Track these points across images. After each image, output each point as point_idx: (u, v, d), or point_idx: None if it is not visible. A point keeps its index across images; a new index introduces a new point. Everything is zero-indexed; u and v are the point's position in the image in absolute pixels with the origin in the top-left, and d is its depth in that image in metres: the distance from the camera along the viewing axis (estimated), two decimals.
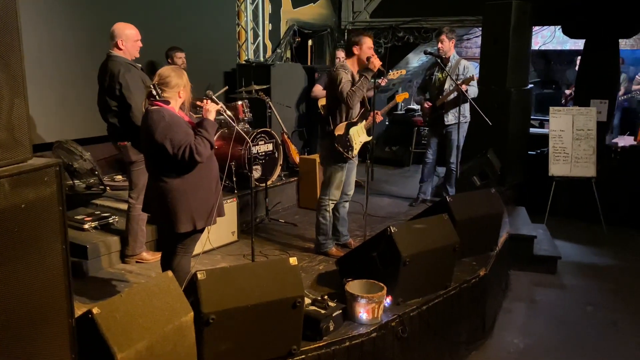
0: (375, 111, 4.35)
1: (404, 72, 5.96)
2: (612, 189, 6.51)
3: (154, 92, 3.14)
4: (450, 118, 5.61)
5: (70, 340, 2.24)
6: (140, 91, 3.89)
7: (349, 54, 4.21)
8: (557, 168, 6.51)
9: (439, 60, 5.62)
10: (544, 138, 6.70)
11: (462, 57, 5.95)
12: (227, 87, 6.18)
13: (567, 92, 9.05)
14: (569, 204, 6.61)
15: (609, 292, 4.89)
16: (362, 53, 4.13)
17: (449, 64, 5.61)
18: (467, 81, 5.42)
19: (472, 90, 5.53)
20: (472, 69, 5.65)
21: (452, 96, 5.55)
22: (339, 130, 4.17)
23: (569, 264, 5.45)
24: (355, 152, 4.28)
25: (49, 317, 2.13)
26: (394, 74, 5.73)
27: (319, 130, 4.36)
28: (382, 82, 5.50)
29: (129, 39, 4.03)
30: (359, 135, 4.27)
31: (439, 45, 5.63)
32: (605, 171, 6.55)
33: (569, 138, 6.51)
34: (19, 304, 2.00)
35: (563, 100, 9.08)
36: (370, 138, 4.39)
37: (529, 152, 7.26)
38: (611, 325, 4.29)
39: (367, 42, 4.15)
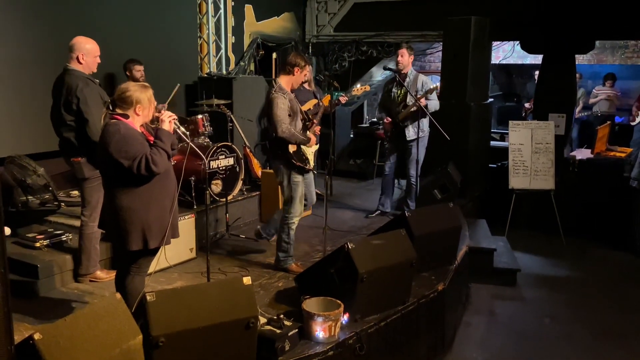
0: (314, 121, 4.50)
1: (368, 88, 6.02)
2: (571, 201, 6.67)
3: (110, 107, 3.10)
4: (411, 133, 5.65)
5: None
6: (97, 106, 3.82)
7: (288, 72, 4.24)
8: (517, 181, 6.62)
9: (397, 76, 5.67)
10: (505, 151, 6.82)
11: (423, 72, 6.05)
12: (179, 86, 6.05)
13: (527, 105, 9.25)
14: (529, 216, 6.73)
15: (566, 304, 4.97)
16: (299, 78, 4.29)
17: (407, 79, 5.66)
18: (430, 91, 5.49)
19: (433, 104, 5.59)
20: (431, 83, 5.72)
21: (413, 109, 5.58)
22: (292, 147, 4.24)
23: (528, 276, 5.54)
24: (312, 162, 4.41)
25: None
26: (358, 90, 5.78)
27: (270, 152, 4.38)
28: (343, 99, 5.56)
29: (89, 54, 3.95)
30: (310, 147, 4.39)
31: (399, 58, 5.68)
32: (564, 183, 6.71)
33: (528, 151, 6.64)
34: None
35: (523, 114, 9.27)
36: (318, 146, 4.54)
37: (490, 165, 7.39)
38: (567, 337, 4.36)
39: (306, 70, 4.32)
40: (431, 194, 5.85)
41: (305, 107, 5.78)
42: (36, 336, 2.18)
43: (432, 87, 5.56)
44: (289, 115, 4.17)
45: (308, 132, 4.39)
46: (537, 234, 6.63)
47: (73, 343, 2.28)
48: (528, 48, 7.35)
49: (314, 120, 4.48)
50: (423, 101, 5.43)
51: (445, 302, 4.11)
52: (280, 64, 4.37)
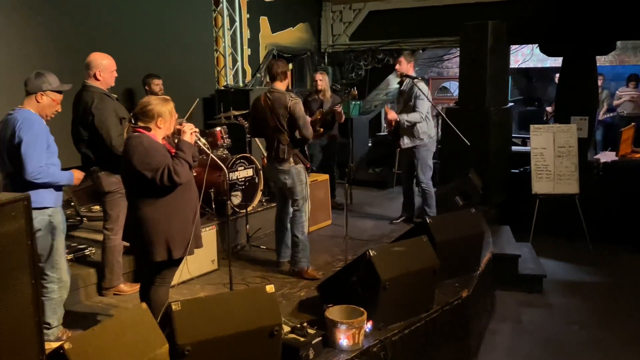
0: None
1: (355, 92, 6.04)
2: (596, 205, 6.52)
3: (133, 120, 3.16)
4: (406, 141, 5.72)
5: None
6: (112, 121, 3.88)
7: (284, 78, 4.52)
8: (540, 186, 6.52)
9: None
10: (527, 156, 6.73)
11: (441, 78, 6.10)
12: (198, 100, 6.15)
13: (549, 109, 9.15)
14: (554, 221, 6.60)
15: (594, 311, 4.86)
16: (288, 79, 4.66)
17: (405, 85, 5.71)
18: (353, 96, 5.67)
19: (413, 116, 5.62)
20: (424, 89, 5.71)
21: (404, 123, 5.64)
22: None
23: (554, 282, 5.43)
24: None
25: (19, 353, 2.07)
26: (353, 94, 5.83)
27: (284, 156, 4.48)
28: (338, 107, 5.78)
29: (106, 70, 4.01)
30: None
31: (396, 66, 5.73)
32: (589, 187, 6.57)
33: (551, 155, 6.55)
34: None
35: (545, 117, 9.17)
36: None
37: (512, 171, 7.29)
38: (596, 344, 4.26)
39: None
40: (452, 200, 5.80)
41: (313, 118, 5.93)
42: (66, 345, 2.20)
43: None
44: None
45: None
46: (562, 239, 6.50)
47: (101, 352, 2.30)
48: (547, 51, 7.28)
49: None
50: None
51: (470, 309, 4.05)
52: (273, 74, 4.47)
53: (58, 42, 5.44)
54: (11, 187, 3.25)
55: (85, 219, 5.07)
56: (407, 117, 5.60)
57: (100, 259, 4.19)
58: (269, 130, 4.49)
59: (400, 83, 5.83)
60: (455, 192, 5.85)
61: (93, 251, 4.47)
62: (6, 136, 3.27)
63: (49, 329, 3.36)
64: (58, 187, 3.40)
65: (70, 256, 4.39)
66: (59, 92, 3.41)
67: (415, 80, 5.69)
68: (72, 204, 4.85)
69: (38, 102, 3.32)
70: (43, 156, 3.25)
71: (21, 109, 3.31)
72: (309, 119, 4.51)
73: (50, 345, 2.33)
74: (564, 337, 4.39)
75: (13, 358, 2.04)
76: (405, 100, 5.76)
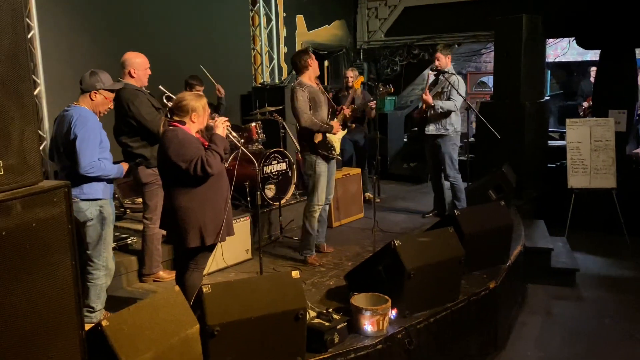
0: (342, 107, 4.76)
1: (391, 89, 6.12)
2: (634, 199, 6.41)
3: (168, 115, 3.35)
4: (431, 128, 5.77)
5: (81, 351, 2.35)
6: (150, 111, 4.10)
7: (306, 69, 4.60)
8: (575, 180, 6.45)
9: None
10: (564, 150, 6.64)
11: (479, 73, 6.08)
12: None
13: (585, 104, 8.96)
14: (590, 215, 6.52)
15: (628, 304, 4.80)
16: (315, 67, 4.68)
17: (441, 78, 5.75)
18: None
19: (447, 104, 5.66)
20: (461, 84, 5.76)
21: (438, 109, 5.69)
22: (318, 137, 4.54)
23: (588, 277, 5.39)
24: (337, 149, 4.69)
25: (60, 329, 2.25)
26: (382, 93, 5.89)
27: (299, 144, 4.69)
28: (372, 104, 5.83)
29: (139, 67, 4.21)
30: (335, 134, 4.63)
31: (436, 62, 5.79)
32: (627, 182, 6.46)
33: (587, 149, 6.46)
34: (32, 316, 2.12)
35: (581, 113, 8.99)
36: (346, 131, 4.83)
37: (548, 165, 7.22)
38: (628, 337, 4.23)
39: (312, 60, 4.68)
40: (485, 194, 5.81)
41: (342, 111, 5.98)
42: (104, 323, 2.39)
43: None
44: (310, 106, 4.49)
45: (335, 119, 4.66)
46: (598, 234, 6.42)
47: (136, 330, 2.47)
48: (584, 44, 7.16)
49: (342, 107, 4.74)
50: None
51: (498, 300, 4.08)
52: (297, 67, 4.63)
53: (105, 42, 5.72)
54: (66, 179, 3.47)
55: (128, 210, 5.33)
56: (441, 103, 5.66)
57: (141, 247, 4.41)
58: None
59: (437, 75, 5.87)
60: (488, 186, 5.85)
61: (135, 240, 4.70)
62: (62, 132, 3.48)
63: (92, 312, 3.58)
64: (109, 180, 3.59)
65: (113, 245, 4.63)
66: (111, 90, 3.61)
67: (452, 74, 5.76)
68: (116, 196, 5.11)
69: (92, 99, 3.51)
70: (96, 151, 3.44)
71: (76, 106, 3.51)
72: (305, 109, 4.50)
73: None
74: (594, 330, 4.37)
75: (55, 333, 2.22)
76: (439, 92, 5.79)
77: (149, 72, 4.28)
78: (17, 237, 2.08)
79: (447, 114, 5.67)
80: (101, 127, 3.53)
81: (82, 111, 3.46)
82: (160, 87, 4.28)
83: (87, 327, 2.45)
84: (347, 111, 4.72)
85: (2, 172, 2.08)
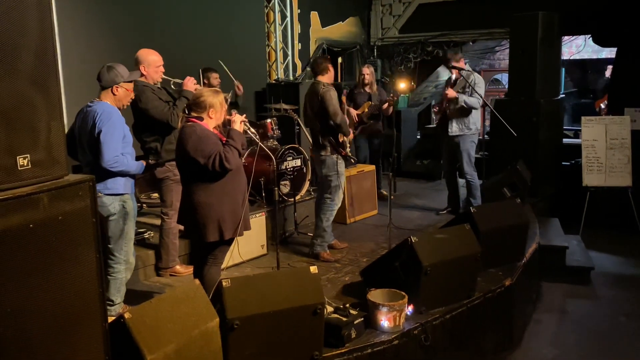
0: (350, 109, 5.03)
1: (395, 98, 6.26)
2: None
3: (187, 111, 3.39)
4: (454, 128, 5.74)
5: (104, 342, 2.39)
6: (156, 105, 4.12)
7: (327, 72, 4.73)
8: (591, 178, 6.42)
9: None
10: (579, 148, 6.62)
11: (493, 70, 6.07)
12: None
13: (602, 105, 8.90)
14: (605, 214, 6.49)
15: None
16: (332, 72, 4.80)
17: (460, 78, 5.74)
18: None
19: (472, 100, 5.63)
20: (480, 82, 5.74)
21: (462, 104, 5.66)
22: (341, 137, 4.67)
23: (603, 275, 5.37)
24: (348, 148, 4.81)
25: (84, 321, 2.29)
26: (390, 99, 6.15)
27: (320, 144, 4.72)
28: (385, 105, 5.96)
29: (151, 65, 4.22)
30: (348, 137, 4.81)
31: (453, 63, 5.78)
32: None
33: (603, 147, 6.43)
34: (57, 308, 2.16)
35: (598, 109, 8.93)
36: (352, 135, 5.10)
37: (563, 163, 7.19)
38: None
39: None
40: (500, 192, 5.79)
41: (359, 110, 6.12)
42: (126, 315, 2.43)
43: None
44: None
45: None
46: (613, 232, 6.38)
47: (157, 322, 2.51)
48: (600, 41, 7.14)
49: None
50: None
51: (513, 298, 4.09)
52: (316, 71, 4.71)
53: (121, 37, 5.76)
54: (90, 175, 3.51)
55: (145, 205, 5.38)
56: (466, 98, 5.61)
57: (158, 241, 4.46)
58: (309, 119, 4.77)
59: (454, 73, 5.83)
60: (503, 183, 5.83)
61: (152, 234, 4.75)
62: (87, 128, 3.51)
63: (112, 305, 3.63)
64: (132, 175, 3.64)
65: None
66: (131, 81, 3.64)
67: (471, 72, 5.78)
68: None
69: (114, 94, 3.54)
70: (119, 146, 3.47)
71: (99, 101, 3.54)
72: (355, 111, 4.63)
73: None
74: (609, 328, 4.36)
75: (79, 324, 2.27)
76: (459, 92, 5.75)
77: (161, 69, 4.28)
78: (44, 230, 2.12)
79: (468, 111, 5.63)
80: (124, 122, 3.57)
81: (106, 106, 3.50)
82: (163, 76, 4.29)
83: (109, 319, 2.49)
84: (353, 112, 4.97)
85: (29, 166, 2.12)
